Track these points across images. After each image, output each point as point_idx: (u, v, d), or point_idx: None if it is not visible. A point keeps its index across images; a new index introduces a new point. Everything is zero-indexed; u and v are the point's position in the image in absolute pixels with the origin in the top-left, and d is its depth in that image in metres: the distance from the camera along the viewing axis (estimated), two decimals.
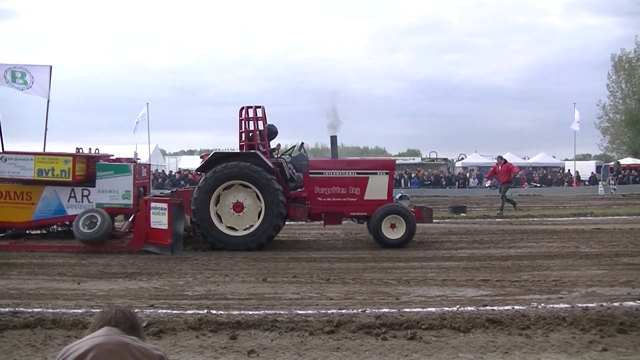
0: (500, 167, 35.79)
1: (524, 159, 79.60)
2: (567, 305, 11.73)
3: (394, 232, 20.27)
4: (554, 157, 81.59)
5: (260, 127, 21.26)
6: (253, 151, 20.55)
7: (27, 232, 22.40)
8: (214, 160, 20.53)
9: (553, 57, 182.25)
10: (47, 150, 24.75)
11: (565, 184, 66.56)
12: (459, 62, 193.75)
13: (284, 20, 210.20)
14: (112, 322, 4.55)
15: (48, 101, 25.66)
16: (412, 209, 21.30)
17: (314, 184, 20.97)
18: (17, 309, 11.87)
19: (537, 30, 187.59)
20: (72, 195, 21.00)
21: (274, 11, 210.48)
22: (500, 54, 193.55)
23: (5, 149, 22.24)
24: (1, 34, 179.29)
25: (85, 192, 21.00)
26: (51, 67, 25.80)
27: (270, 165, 20.34)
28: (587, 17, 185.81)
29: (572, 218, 30.59)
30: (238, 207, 20.24)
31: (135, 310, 10.85)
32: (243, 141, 21.25)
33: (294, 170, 21.65)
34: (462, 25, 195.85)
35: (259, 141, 21.03)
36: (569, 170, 72.19)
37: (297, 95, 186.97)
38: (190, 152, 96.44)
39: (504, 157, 38.41)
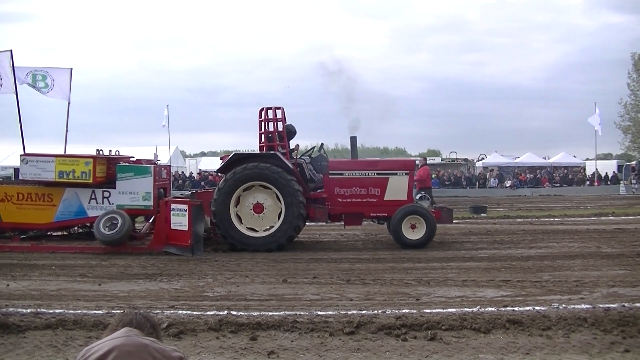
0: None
1: (545, 158, 79.16)
2: (588, 306, 11.69)
3: (414, 232, 20.24)
4: (574, 156, 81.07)
5: (280, 128, 21.26)
6: (273, 152, 20.56)
7: (48, 233, 22.49)
8: (234, 162, 20.55)
9: (574, 56, 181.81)
10: (68, 152, 24.87)
11: (587, 183, 66.21)
12: (480, 62, 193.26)
13: (304, 21, 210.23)
14: (133, 324, 4.56)
15: (69, 103, 25.76)
16: (432, 210, 21.26)
17: (334, 184, 20.96)
18: (38, 309, 11.95)
19: (558, 28, 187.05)
20: (93, 196, 21.07)
21: (294, 12, 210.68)
22: (521, 53, 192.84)
23: (27, 151, 22.29)
24: (23, 36, 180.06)
25: (106, 194, 21.06)
26: (72, 69, 25.92)
27: (290, 166, 20.35)
28: (609, 15, 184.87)
29: (593, 218, 30.47)
30: (258, 208, 20.25)
31: (156, 312, 10.97)
32: (263, 142, 21.28)
33: (314, 171, 21.63)
34: (482, 25, 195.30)
35: (278, 142, 21.05)
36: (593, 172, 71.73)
37: (317, 96, 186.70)
38: (211, 154, 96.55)
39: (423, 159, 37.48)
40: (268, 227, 20.21)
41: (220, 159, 22.97)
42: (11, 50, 23.53)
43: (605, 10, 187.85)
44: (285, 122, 21.42)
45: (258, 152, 21.27)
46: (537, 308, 11.54)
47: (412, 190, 21.49)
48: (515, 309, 11.56)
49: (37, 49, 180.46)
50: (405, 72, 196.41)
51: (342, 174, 21.05)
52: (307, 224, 21.86)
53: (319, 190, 21.26)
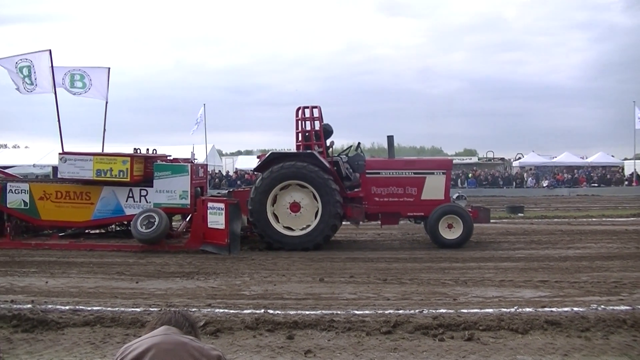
0: None
1: (582, 158, 78.65)
2: (627, 307, 11.59)
3: (451, 232, 20.19)
4: (612, 156, 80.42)
5: (317, 127, 21.26)
6: (310, 151, 20.58)
7: (86, 231, 22.64)
8: (271, 160, 20.61)
9: (613, 55, 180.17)
10: (106, 150, 25.04)
11: (625, 183, 65.69)
12: (518, 61, 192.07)
13: (341, 20, 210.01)
14: (171, 323, 4.58)
15: (106, 102, 25.95)
16: (469, 209, 21.20)
17: (371, 183, 20.95)
18: (77, 307, 12.06)
19: (598, 27, 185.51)
20: (130, 195, 21.17)
21: (331, 11, 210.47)
22: (559, 52, 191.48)
23: (65, 150, 22.45)
24: (61, 36, 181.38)
25: (143, 192, 21.16)
26: (109, 68, 26.13)
27: (327, 165, 20.35)
28: None
29: (632, 218, 30.17)
30: (295, 207, 20.28)
31: (193, 310, 11.01)
32: (300, 141, 21.32)
33: (351, 170, 21.61)
34: (520, 23, 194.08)
35: (315, 141, 21.05)
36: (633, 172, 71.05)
37: (354, 95, 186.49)
38: (247, 153, 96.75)
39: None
40: (305, 226, 20.25)
41: (257, 157, 23.04)
42: (50, 50, 23.74)
43: None
44: (322, 121, 21.43)
45: (295, 151, 21.29)
46: (575, 309, 11.45)
47: (449, 189, 21.40)
48: (553, 309, 11.48)
49: (75, 48, 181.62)
50: (443, 71, 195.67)
51: (379, 173, 21.03)
52: (343, 223, 21.85)
53: (355, 190, 21.23)
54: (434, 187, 20.92)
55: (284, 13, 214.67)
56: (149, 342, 4.26)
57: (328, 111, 23.06)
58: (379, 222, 21.91)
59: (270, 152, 21.26)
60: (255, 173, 25.41)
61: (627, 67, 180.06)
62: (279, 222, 20.29)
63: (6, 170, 29.33)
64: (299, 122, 21.45)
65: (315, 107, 21.42)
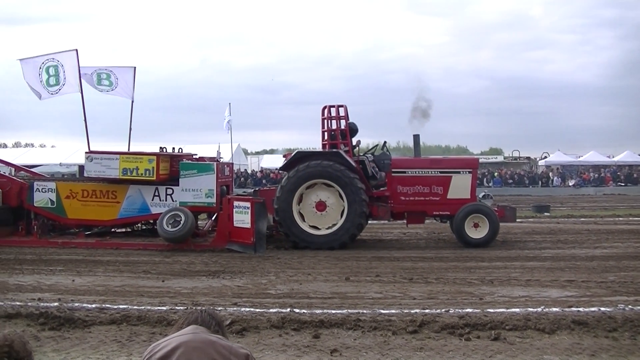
0: None
1: (609, 157, 78.17)
2: None
3: (477, 231, 20.14)
4: (639, 155, 80.00)
5: (343, 126, 21.26)
6: (336, 150, 20.59)
7: (112, 230, 22.75)
8: (297, 159, 20.65)
9: None
10: (132, 149, 25.11)
11: None
12: (544, 59, 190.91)
13: (367, 19, 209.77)
14: (198, 322, 4.59)
15: (132, 101, 26.04)
16: (495, 208, 21.14)
17: (396, 182, 20.92)
18: (103, 305, 12.13)
19: (626, 24, 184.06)
20: (156, 194, 21.24)
21: (357, 10, 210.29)
22: (586, 50, 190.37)
23: (91, 149, 22.56)
24: (88, 36, 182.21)
25: (169, 191, 21.21)
26: (135, 68, 26.20)
27: (353, 164, 20.35)
28: None
29: None
30: (321, 205, 20.29)
31: (219, 309, 11.03)
32: (325, 140, 21.33)
33: (377, 169, 21.59)
34: (547, 21, 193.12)
35: (341, 140, 21.05)
36: None
37: (380, 94, 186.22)
38: (272, 151, 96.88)
39: None
40: (330, 225, 20.26)
41: (283, 156, 23.06)
42: (76, 50, 23.84)
43: None
44: (348, 120, 21.43)
45: (321, 150, 21.31)
46: (602, 309, 11.38)
47: (475, 188, 21.35)
48: (580, 309, 11.42)
49: (101, 48, 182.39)
50: (468, 69, 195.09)
51: (405, 172, 21.01)
52: (369, 222, 21.84)
53: (381, 188, 21.22)
54: (460, 186, 20.88)
55: (310, 12, 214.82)
56: (177, 341, 4.28)
57: (354, 110, 23.00)
58: (405, 221, 21.87)
59: (296, 151, 21.30)
60: (281, 172, 25.42)
61: None
62: (304, 221, 20.32)
63: (33, 170, 29.50)
64: (325, 121, 21.46)
65: (341, 105, 21.45)
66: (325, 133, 21.46)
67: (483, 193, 22.65)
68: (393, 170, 21.04)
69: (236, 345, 4.36)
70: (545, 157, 78.41)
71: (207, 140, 62.04)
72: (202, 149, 32.90)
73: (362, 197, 19.97)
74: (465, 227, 20.13)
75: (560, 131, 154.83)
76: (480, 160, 44.93)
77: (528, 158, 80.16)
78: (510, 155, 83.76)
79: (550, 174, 67.93)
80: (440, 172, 21.04)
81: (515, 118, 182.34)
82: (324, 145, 21.42)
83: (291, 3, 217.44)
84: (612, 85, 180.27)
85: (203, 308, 4.79)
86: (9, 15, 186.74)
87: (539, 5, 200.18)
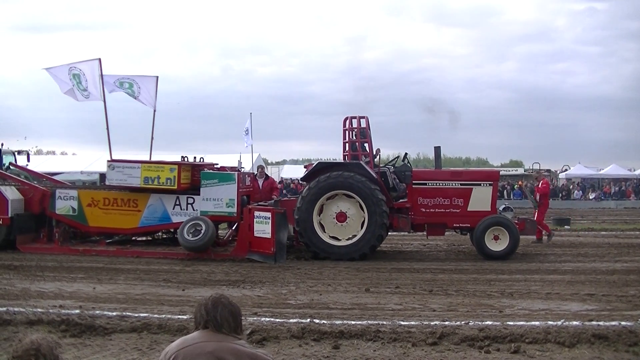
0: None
1: (630, 170, 77.83)
2: None
3: (497, 244, 20.11)
4: None
5: (364, 137, 21.31)
6: (357, 161, 20.62)
7: (133, 238, 22.84)
8: (318, 170, 20.69)
9: None
10: (153, 158, 25.25)
11: None
12: (568, 71, 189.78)
13: (391, 30, 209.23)
14: (213, 325, 4.68)
15: (154, 111, 26.14)
16: (516, 221, 21.08)
17: (417, 194, 20.93)
18: (124, 313, 12.21)
19: None
20: (177, 203, 21.31)
21: (381, 21, 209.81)
22: (610, 62, 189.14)
23: (113, 157, 22.68)
24: (112, 44, 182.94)
25: (190, 200, 21.27)
26: (157, 77, 26.33)
27: (374, 175, 20.38)
28: None
29: None
30: (341, 216, 20.32)
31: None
32: (347, 151, 21.36)
33: (397, 181, 21.61)
34: (571, 33, 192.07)
35: (362, 151, 21.09)
36: None
37: (402, 105, 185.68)
38: (292, 162, 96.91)
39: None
40: (351, 236, 20.26)
41: (305, 167, 23.11)
42: (99, 59, 24.02)
43: None
44: (370, 131, 21.46)
45: (342, 161, 21.35)
46: (623, 323, 11.37)
47: (496, 201, 21.34)
48: (601, 323, 11.41)
49: (127, 57, 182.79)
50: (492, 81, 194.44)
51: (425, 184, 21.02)
52: (389, 233, 21.85)
53: (402, 200, 21.25)
54: (480, 199, 20.87)
55: (334, 23, 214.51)
56: (199, 349, 4.33)
57: (376, 121, 23.03)
58: (425, 233, 21.88)
59: (317, 162, 21.35)
60: (302, 182, 25.44)
61: None
62: (325, 232, 20.34)
63: (54, 177, 29.65)
64: (346, 131, 21.49)
65: (363, 117, 21.48)
66: (347, 144, 21.48)
67: (503, 205, 22.60)
68: (414, 182, 21.05)
69: (261, 352, 4.42)
70: (566, 169, 78.09)
71: (229, 149, 62.03)
72: (224, 159, 33.03)
73: (383, 208, 19.97)
74: (485, 239, 20.10)
75: (582, 144, 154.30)
76: (501, 173, 44.85)
77: (548, 170, 79.74)
78: (531, 167, 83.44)
79: (571, 186, 67.74)
80: (461, 184, 21.03)
81: (537, 130, 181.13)
82: (345, 156, 21.44)
83: (314, 13, 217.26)
84: (636, 98, 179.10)
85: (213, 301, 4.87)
86: (33, 24, 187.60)
87: (563, 16, 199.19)
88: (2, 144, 30.06)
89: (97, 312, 12.30)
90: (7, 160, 29.79)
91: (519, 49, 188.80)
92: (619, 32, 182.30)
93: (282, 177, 68.75)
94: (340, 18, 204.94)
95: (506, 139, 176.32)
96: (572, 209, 51.77)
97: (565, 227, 32.39)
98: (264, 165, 37.72)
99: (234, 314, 4.84)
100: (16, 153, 33.12)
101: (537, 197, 26.15)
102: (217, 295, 4.97)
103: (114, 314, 12.12)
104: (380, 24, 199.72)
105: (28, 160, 34.15)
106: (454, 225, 21.28)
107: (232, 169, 23.39)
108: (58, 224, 21.83)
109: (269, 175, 26.38)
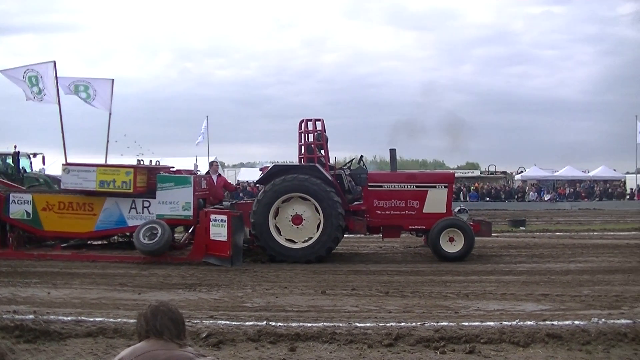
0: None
1: (584, 172, 78.56)
2: (628, 321, 11.60)
3: (452, 245, 20.22)
4: (614, 170, 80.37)
5: (320, 139, 21.33)
6: (312, 164, 20.64)
7: (89, 242, 22.67)
8: (274, 173, 20.68)
9: (621, 69, 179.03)
10: (109, 162, 25.11)
11: (627, 197, 65.62)
12: (525, 74, 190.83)
13: (349, 33, 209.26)
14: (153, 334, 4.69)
15: (110, 114, 26.01)
16: (471, 223, 21.22)
17: (373, 196, 20.99)
18: (79, 317, 12.11)
19: (606, 41, 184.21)
20: (133, 206, 21.19)
21: (339, 24, 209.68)
22: (566, 65, 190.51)
23: (68, 161, 22.53)
24: (69, 47, 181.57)
25: (146, 204, 21.15)
26: (113, 80, 26.20)
27: (330, 177, 20.41)
28: None
29: (633, 232, 30.12)
30: (297, 219, 20.32)
31: (195, 321, 11.08)
32: (302, 154, 21.37)
33: (353, 183, 21.65)
34: (528, 36, 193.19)
35: (318, 154, 21.12)
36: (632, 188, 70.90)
37: (361, 108, 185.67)
38: (249, 165, 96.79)
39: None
40: (307, 239, 20.27)
41: (260, 170, 23.08)
42: (54, 62, 23.85)
43: None
44: (325, 134, 21.48)
45: (297, 163, 21.36)
46: (576, 322, 11.46)
47: (451, 203, 21.46)
48: (555, 323, 11.50)
49: (84, 60, 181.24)
50: (449, 84, 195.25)
51: (381, 186, 21.09)
52: (345, 235, 21.89)
53: (357, 202, 21.29)
54: (435, 201, 20.96)
55: (292, 25, 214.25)
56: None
57: (332, 124, 23.06)
58: (381, 235, 21.95)
59: (272, 165, 21.36)
60: (258, 185, 25.40)
61: (635, 81, 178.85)
62: (281, 235, 20.32)
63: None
64: (302, 134, 21.50)
65: (319, 119, 21.51)
66: (302, 147, 21.49)
67: (459, 207, 22.75)
68: (369, 184, 21.09)
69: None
70: (522, 171, 78.71)
71: (185, 153, 62.05)
72: (180, 162, 32.98)
73: (339, 210, 19.99)
74: (440, 241, 20.19)
75: (537, 146, 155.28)
76: (457, 175, 45.05)
77: (504, 172, 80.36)
78: (487, 169, 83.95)
79: (527, 188, 68.27)
80: (416, 187, 21.11)
81: (493, 133, 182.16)
82: (300, 159, 21.45)
83: (272, 15, 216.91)
84: (592, 101, 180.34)
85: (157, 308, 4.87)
86: None
87: (521, 20, 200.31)
88: (15, 147, 30.02)
89: (52, 317, 12.16)
90: (23, 164, 29.82)
91: (477, 51, 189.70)
92: (575, 35, 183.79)
93: (238, 180, 68.63)
94: (299, 20, 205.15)
95: (462, 141, 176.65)
96: (528, 210, 52.21)
97: (521, 228, 32.56)
98: (217, 162, 37.63)
99: (174, 321, 4.84)
100: (31, 156, 32.98)
101: None
102: (156, 304, 4.96)
103: (69, 318, 12.00)
104: (338, 27, 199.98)
105: (43, 163, 34.05)
106: (410, 227, 21.36)
107: (188, 172, 23.32)
108: (12, 229, 21.60)
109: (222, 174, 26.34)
